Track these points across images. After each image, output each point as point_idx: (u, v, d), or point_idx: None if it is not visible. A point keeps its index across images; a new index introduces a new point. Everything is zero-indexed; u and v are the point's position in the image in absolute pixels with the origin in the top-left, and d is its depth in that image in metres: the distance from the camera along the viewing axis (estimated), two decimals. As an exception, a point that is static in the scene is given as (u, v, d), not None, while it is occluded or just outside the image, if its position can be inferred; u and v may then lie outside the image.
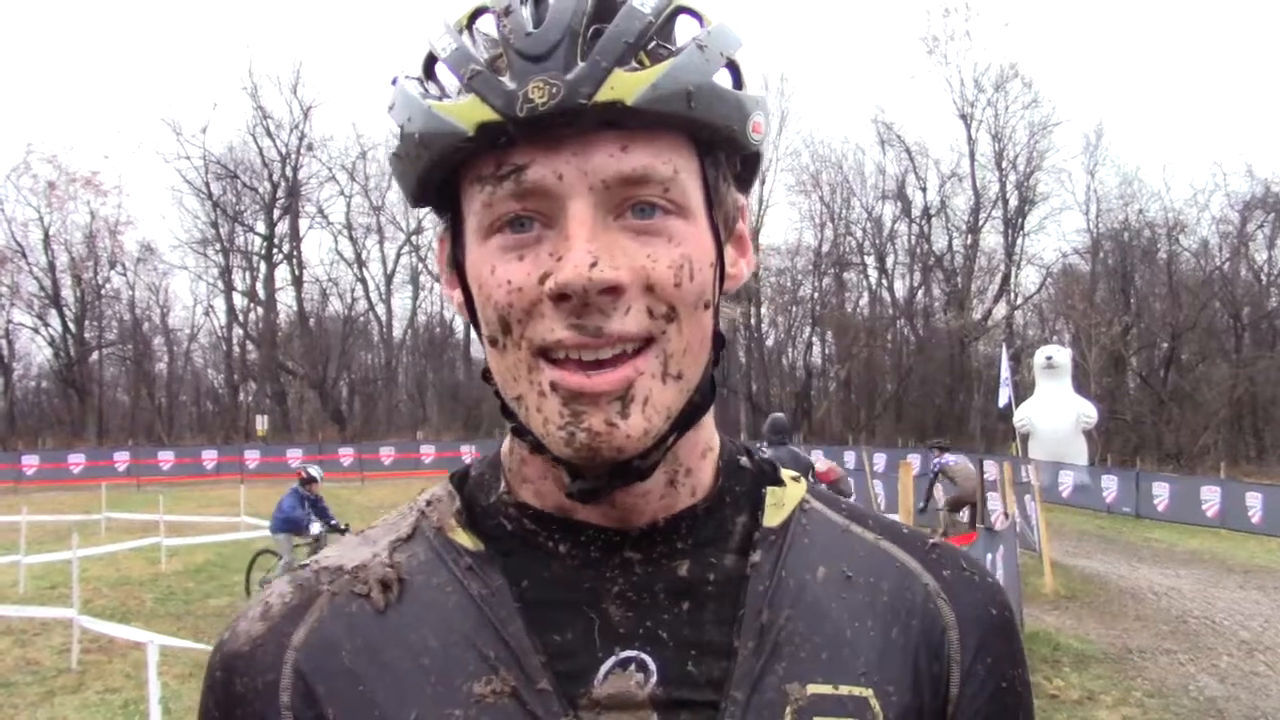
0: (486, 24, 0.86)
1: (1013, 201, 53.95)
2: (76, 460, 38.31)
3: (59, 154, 67.74)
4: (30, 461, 37.77)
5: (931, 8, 67.16)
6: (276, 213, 56.05)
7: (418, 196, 0.90)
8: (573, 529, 0.91)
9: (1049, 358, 32.83)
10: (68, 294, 53.34)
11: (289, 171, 55.67)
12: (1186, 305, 47.31)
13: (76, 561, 11.25)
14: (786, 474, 1.01)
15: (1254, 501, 22.70)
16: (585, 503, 0.88)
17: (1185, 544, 20.80)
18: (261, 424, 46.85)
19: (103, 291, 54.54)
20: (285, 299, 57.67)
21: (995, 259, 55.25)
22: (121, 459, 38.54)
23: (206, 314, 58.55)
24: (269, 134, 55.11)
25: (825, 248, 57.10)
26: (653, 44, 0.83)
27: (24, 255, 51.70)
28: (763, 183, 56.36)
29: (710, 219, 0.88)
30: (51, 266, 52.24)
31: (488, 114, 0.80)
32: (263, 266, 56.77)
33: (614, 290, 0.80)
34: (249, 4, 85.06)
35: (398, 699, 0.85)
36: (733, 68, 0.87)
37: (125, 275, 55.06)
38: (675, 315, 0.84)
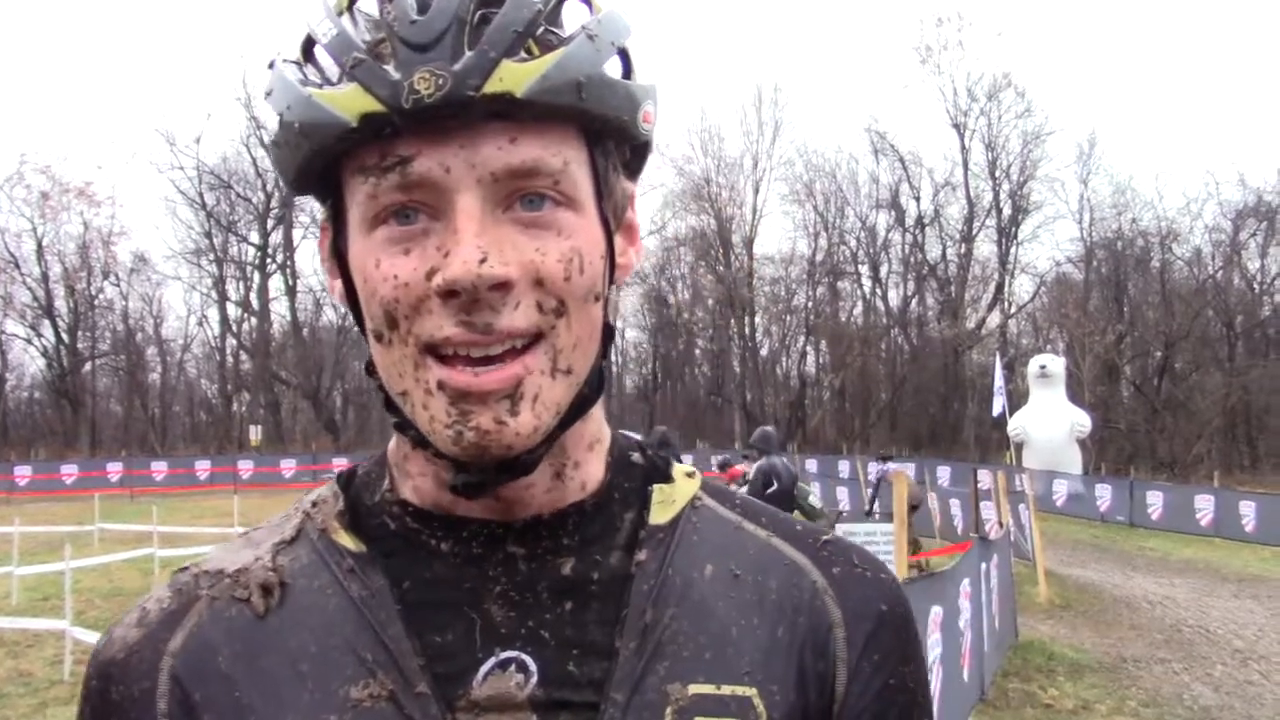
0: (369, 4, 0.83)
1: (1006, 210, 54.13)
2: (69, 471, 38.19)
3: (52, 164, 67.50)
4: (23, 472, 37.65)
5: (924, 17, 67.59)
6: (270, 223, 55.98)
7: (297, 185, 0.88)
8: (454, 525, 0.90)
9: (1043, 366, 32.86)
10: (61, 304, 53.41)
11: (283, 182, 55.53)
12: (1180, 314, 47.40)
13: (69, 573, 11.21)
14: (679, 470, 1.00)
15: (1248, 510, 22.71)
16: (469, 497, 0.86)
17: (1179, 553, 20.81)
18: (255, 434, 46.74)
19: (96, 302, 54.51)
20: (279, 309, 57.74)
21: (989, 268, 55.45)
22: (115, 469, 38.43)
23: (200, 324, 58.77)
24: (262, 144, 53.75)
25: (819, 257, 57.29)
26: (541, 30, 0.81)
27: (17, 266, 51.68)
28: (756, 192, 56.63)
29: (600, 210, 0.87)
30: (45, 277, 52.28)
31: (371, 105, 0.77)
32: (256, 277, 56.75)
33: (503, 286, 0.79)
34: (242, 14, 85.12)
35: (274, 705, 0.84)
36: (623, 56, 0.86)
37: (119, 286, 55.09)
38: (565, 310, 0.82)
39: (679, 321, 60.74)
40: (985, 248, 55.56)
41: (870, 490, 20.10)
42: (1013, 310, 55.50)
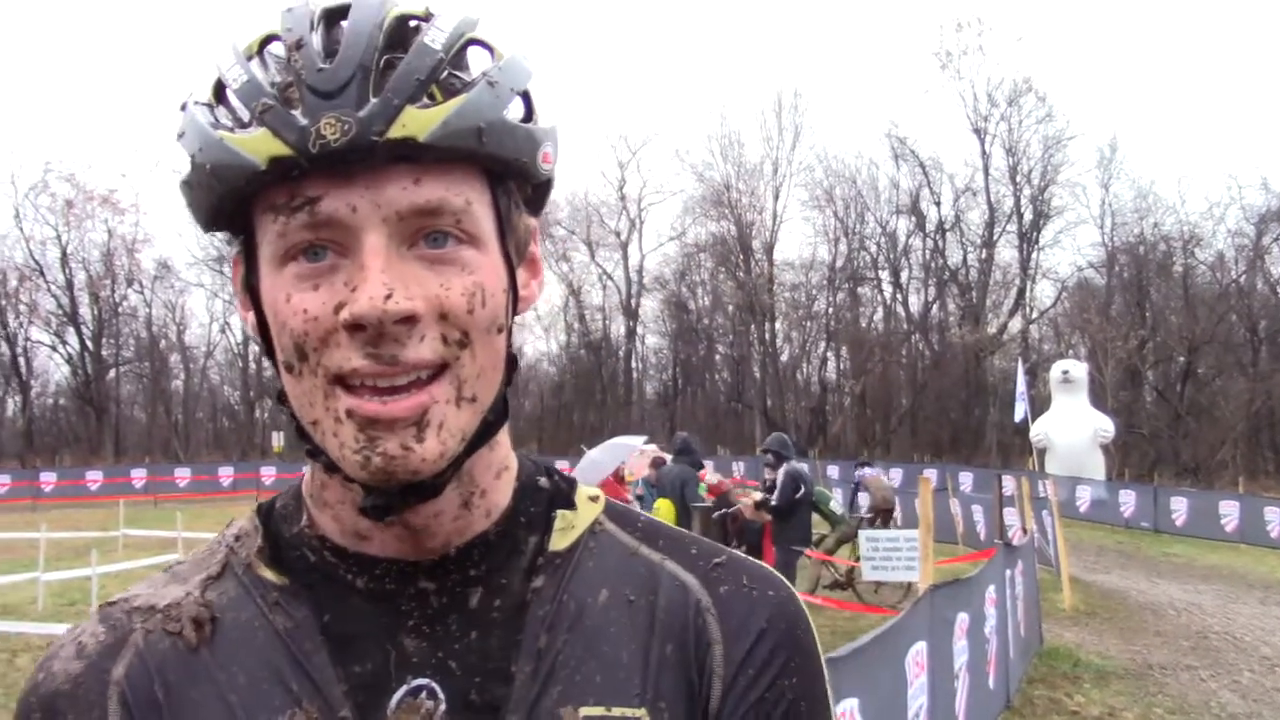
0: (279, 48, 0.87)
1: (1027, 215, 53.91)
2: (94, 477, 38.43)
3: (77, 172, 67.54)
4: (48, 479, 37.90)
5: (944, 22, 67.50)
6: (290, 228, 56.22)
7: (210, 223, 0.90)
8: (368, 563, 0.93)
9: (1065, 372, 32.76)
10: (85, 312, 53.83)
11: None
12: (1203, 319, 47.13)
13: (95, 578, 11.28)
14: (582, 494, 1.03)
15: (1273, 516, 22.57)
16: (379, 519, 0.89)
17: (1204, 559, 20.69)
18: (278, 440, 46.89)
19: (120, 309, 54.96)
20: (301, 316, 57.83)
21: (1010, 273, 55.23)
22: (139, 476, 38.64)
23: (223, 331, 58.90)
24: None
25: (839, 263, 57.23)
26: (445, 74, 0.85)
27: (42, 273, 52.21)
28: (776, 198, 56.55)
29: (503, 246, 0.90)
30: (69, 284, 52.69)
31: (280, 149, 0.81)
32: (278, 283, 56.96)
33: (409, 320, 0.82)
34: (265, 23, 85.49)
35: None
36: (525, 99, 0.90)
37: (142, 293, 55.57)
38: (469, 341, 0.86)
39: (699, 327, 60.73)
40: (1006, 253, 55.43)
41: (851, 492, 20.64)
42: (1034, 315, 55.37)
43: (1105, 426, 31.99)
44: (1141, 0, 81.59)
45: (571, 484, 1.04)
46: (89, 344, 53.54)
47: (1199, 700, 9.41)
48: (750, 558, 1.03)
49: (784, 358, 58.61)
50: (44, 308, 52.63)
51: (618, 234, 60.03)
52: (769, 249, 56.90)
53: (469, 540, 0.94)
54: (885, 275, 57.91)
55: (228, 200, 0.86)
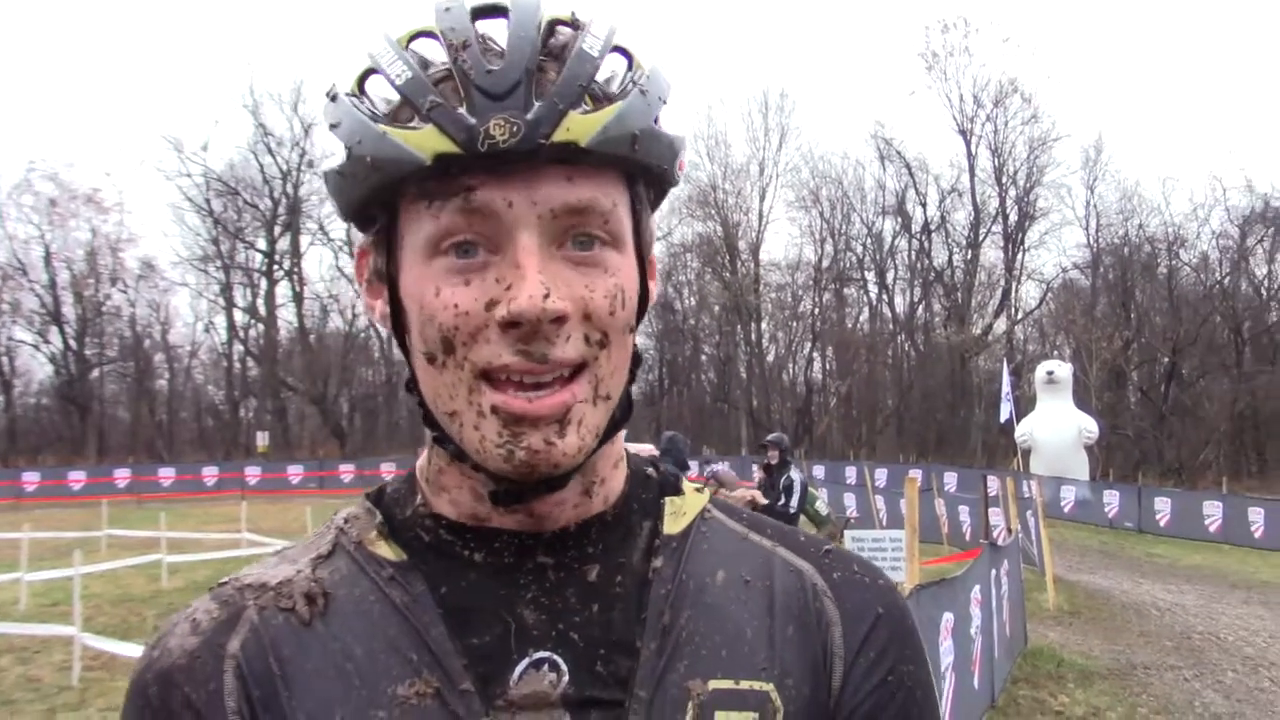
0: (429, 45, 0.89)
1: (1013, 216, 54.07)
2: (77, 477, 38.31)
3: (60, 171, 68.03)
4: (31, 478, 37.78)
5: (930, 24, 67.54)
6: (277, 229, 56.14)
7: (353, 213, 0.93)
8: (487, 537, 0.95)
9: (1050, 372, 32.86)
10: (68, 311, 53.53)
11: (290, 188, 55.62)
12: (1187, 320, 47.38)
13: (78, 579, 11.21)
14: (688, 485, 1.07)
15: (1256, 516, 22.69)
16: (505, 506, 0.92)
17: (1188, 559, 20.78)
18: (262, 440, 46.83)
19: (103, 308, 54.62)
20: (286, 315, 57.86)
21: (995, 274, 55.39)
22: (122, 476, 38.55)
23: (207, 330, 58.72)
24: (270, 151, 54.87)
25: (825, 263, 57.29)
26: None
27: (25, 272, 51.91)
28: (762, 198, 56.59)
29: (637, 248, 0.94)
30: (52, 283, 52.40)
31: (447, 146, 0.83)
32: (263, 283, 56.94)
33: (561, 320, 0.84)
34: (250, 22, 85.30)
35: (324, 705, 0.88)
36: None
37: (126, 292, 55.24)
38: (607, 342, 0.89)
39: (685, 327, 60.73)
40: (992, 254, 55.61)
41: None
42: (1019, 316, 55.53)
43: (1090, 427, 32.10)
44: (1128, 2, 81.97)
45: (678, 475, 1.07)
46: (72, 343, 53.26)
47: (1183, 700, 9.45)
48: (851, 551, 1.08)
49: (770, 358, 58.69)
50: (27, 307, 52.36)
51: (604, 234, 59.62)
52: (755, 249, 56.93)
53: (587, 520, 0.97)
54: (871, 276, 58.04)
55: (380, 192, 0.88)
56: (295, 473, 40.83)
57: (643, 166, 0.90)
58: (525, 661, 0.90)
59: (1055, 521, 23.20)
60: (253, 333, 57.76)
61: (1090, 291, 52.45)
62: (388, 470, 39.82)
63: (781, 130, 57.62)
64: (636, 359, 0.96)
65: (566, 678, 0.90)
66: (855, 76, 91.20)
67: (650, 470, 1.06)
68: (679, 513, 1.02)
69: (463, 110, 0.84)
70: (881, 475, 32.39)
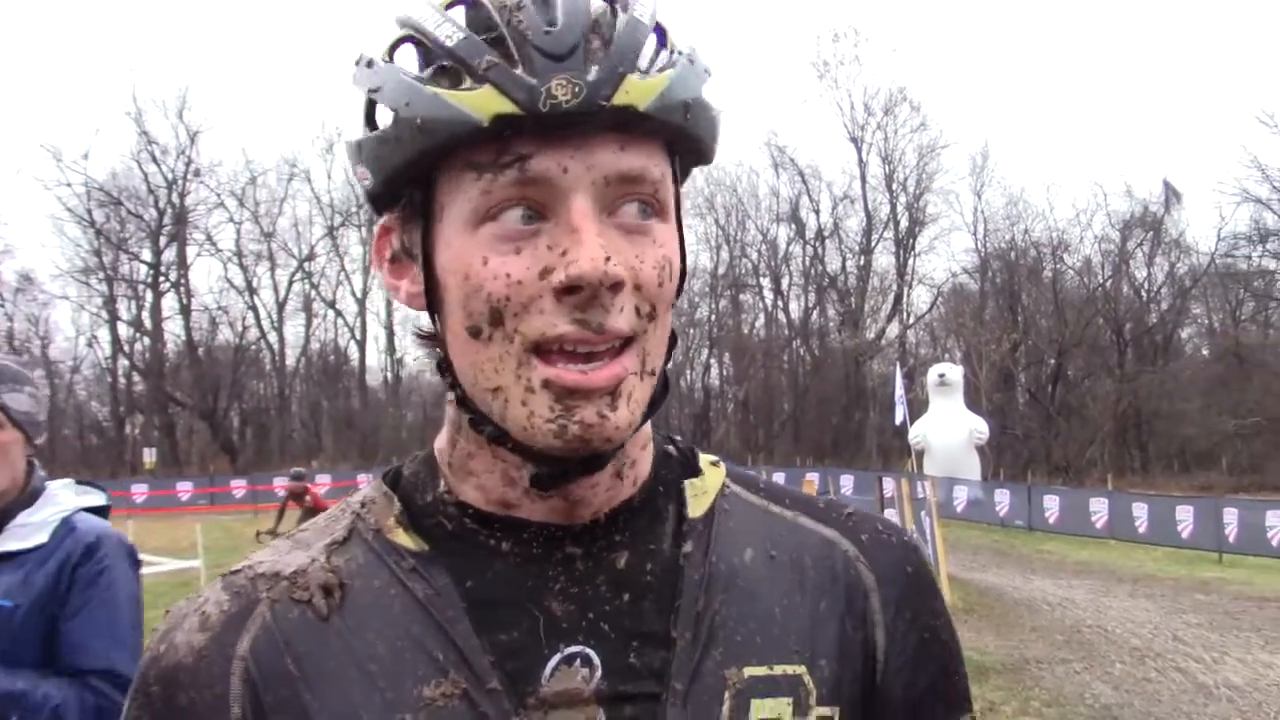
0: (458, 16, 0.86)
1: (903, 222, 55.12)
2: (-48, 498, 36.77)
3: (-68, 181, 65.24)
4: (-98, 501, 36.18)
5: (821, 33, 68.10)
6: (163, 240, 54.60)
7: (392, 182, 0.87)
8: (514, 527, 0.91)
9: (941, 375, 33.41)
10: (-58, 325, 51.40)
11: (175, 198, 54.21)
12: (1071, 322, 48.65)
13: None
14: (704, 460, 1.03)
15: (1140, 512, 23.26)
16: (546, 490, 0.89)
17: (1076, 555, 21.23)
18: (149, 457, 45.61)
19: (-21, 323, 52.63)
20: (173, 328, 56.17)
21: (888, 279, 56.39)
22: (0, 496, 37.09)
23: (90, 345, 56.71)
24: (154, 160, 53.42)
25: (721, 270, 57.66)
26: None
27: (-105, 286, 49.73)
28: (658, 206, 56.66)
29: (678, 220, 0.91)
30: (-75, 298, 50.33)
31: (507, 106, 0.80)
32: (149, 295, 55.27)
33: (618, 287, 0.82)
34: (132, 27, 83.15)
35: (346, 706, 0.85)
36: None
37: (3, 306, 53.16)
38: (655, 314, 0.87)
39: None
40: (884, 259, 56.60)
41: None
42: (911, 320, 56.55)
43: (980, 428, 32.71)
44: (1012, 14, 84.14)
45: (694, 450, 1.04)
46: (-54, 359, 51.25)
47: (1074, 692, 9.60)
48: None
49: (668, 365, 58.75)
50: (-103, 322, 50.28)
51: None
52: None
53: (615, 507, 0.94)
54: (766, 282, 58.56)
55: (424, 158, 0.84)
56: (185, 489, 39.75)
57: (693, 137, 0.88)
58: (557, 657, 0.87)
59: (949, 521, 23.54)
60: (138, 347, 56.11)
61: (979, 295, 53.62)
62: (281, 485, 38.96)
63: (675, 138, 57.90)
64: (674, 336, 0.93)
65: (599, 672, 0.87)
66: (749, 85, 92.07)
67: (671, 448, 1.03)
68: (700, 494, 0.99)
69: (520, 71, 0.81)
70: (779, 479, 32.23)
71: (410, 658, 0.85)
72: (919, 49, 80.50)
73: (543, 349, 0.83)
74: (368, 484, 0.99)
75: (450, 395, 0.92)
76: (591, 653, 0.87)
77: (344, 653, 0.86)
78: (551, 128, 0.81)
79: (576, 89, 0.80)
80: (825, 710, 0.92)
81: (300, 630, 0.87)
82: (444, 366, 0.90)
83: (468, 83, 0.81)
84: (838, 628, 0.95)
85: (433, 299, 0.88)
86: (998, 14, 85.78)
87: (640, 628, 0.89)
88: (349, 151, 0.90)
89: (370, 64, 0.86)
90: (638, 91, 0.82)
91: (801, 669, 0.91)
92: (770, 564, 0.96)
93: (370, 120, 0.88)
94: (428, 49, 0.85)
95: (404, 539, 0.91)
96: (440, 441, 0.96)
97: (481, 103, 0.80)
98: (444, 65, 0.83)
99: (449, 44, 0.83)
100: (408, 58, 0.86)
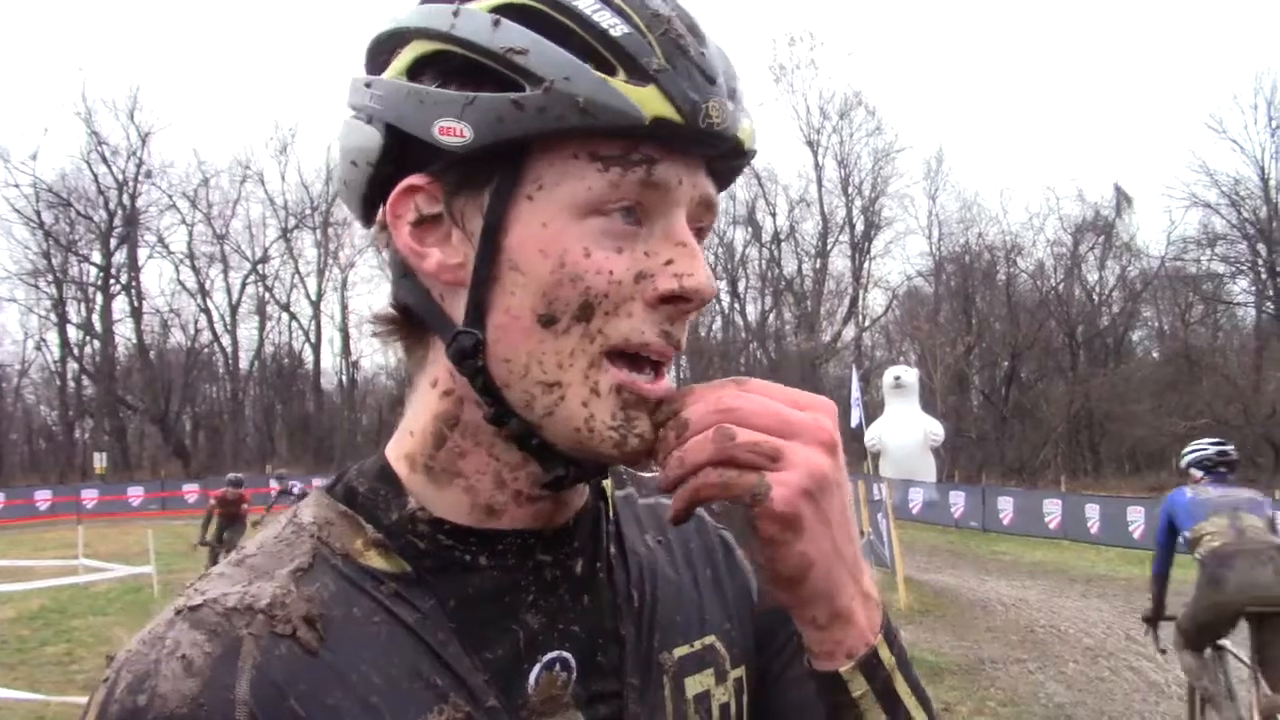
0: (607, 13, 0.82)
1: (859, 226, 55.44)
2: (-104, 505, 36.10)
3: (-125, 182, 63.97)
4: None
5: (778, 36, 68.71)
6: (113, 242, 53.91)
7: (501, 148, 0.81)
8: (492, 539, 0.90)
9: (897, 378, 33.63)
10: (-114, 329, 50.46)
11: (126, 199, 53.64)
12: (1025, 325, 49.12)
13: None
14: None
15: (1092, 513, 23.50)
16: (556, 491, 0.89)
17: (1030, 555, 21.40)
18: (100, 461, 44.98)
19: (-75, 327, 51.72)
20: (124, 331, 55.61)
21: (843, 282, 56.67)
22: (-54, 502, 36.45)
23: (38, 348, 55.93)
24: (104, 160, 52.81)
25: (678, 273, 57.58)
26: None
27: None
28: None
29: None
30: None
31: (669, 112, 0.80)
32: (99, 298, 54.61)
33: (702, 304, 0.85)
34: (81, 25, 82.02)
35: None
36: None
37: (-51, 310, 52.36)
38: (684, 335, 0.88)
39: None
40: (839, 262, 56.88)
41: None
42: (867, 323, 56.86)
43: (935, 430, 32.96)
44: (967, 20, 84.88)
45: None
46: (-110, 363, 50.34)
47: (1028, 692, 9.67)
48: None
49: (626, 368, 58.77)
50: None
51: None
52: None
53: (577, 511, 0.96)
54: (723, 285, 58.62)
55: (564, 134, 0.80)
56: (136, 494, 39.19)
57: (736, 176, 0.92)
58: (539, 665, 0.89)
59: (904, 523, 23.68)
60: (88, 350, 55.37)
61: (934, 298, 53.99)
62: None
63: (633, 141, 57.95)
64: None
65: (575, 674, 0.90)
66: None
67: None
68: (610, 494, 1.02)
69: (685, 84, 0.81)
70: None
71: (408, 687, 0.82)
72: (875, 53, 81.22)
73: (616, 354, 0.82)
74: (310, 501, 0.92)
75: (448, 386, 0.88)
76: (569, 656, 0.90)
77: (341, 687, 0.80)
78: (681, 140, 0.82)
79: (726, 115, 0.82)
80: (738, 671, 1.00)
81: (292, 667, 0.80)
82: (471, 351, 0.84)
83: (622, 75, 0.80)
84: (728, 589, 1.03)
85: (486, 274, 0.83)
86: (953, 19, 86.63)
87: (600, 626, 0.93)
88: (425, 98, 0.83)
89: (498, 23, 0.81)
90: (746, 132, 0.85)
91: (712, 638, 0.99)
92: (661, 548, 1.02)
93: (448, 75, 0.83)
94: (561, 27, 0.81)
95: (379, 562, 0.87)
96: (400, 449, 0.92)
97: (648, 101, 0.79)
98: (591, 50, 0.80)
99: (614, 33, 0.81)
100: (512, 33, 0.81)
